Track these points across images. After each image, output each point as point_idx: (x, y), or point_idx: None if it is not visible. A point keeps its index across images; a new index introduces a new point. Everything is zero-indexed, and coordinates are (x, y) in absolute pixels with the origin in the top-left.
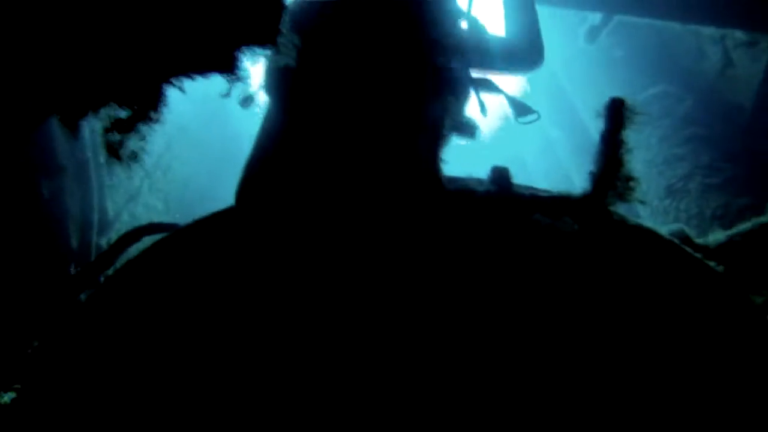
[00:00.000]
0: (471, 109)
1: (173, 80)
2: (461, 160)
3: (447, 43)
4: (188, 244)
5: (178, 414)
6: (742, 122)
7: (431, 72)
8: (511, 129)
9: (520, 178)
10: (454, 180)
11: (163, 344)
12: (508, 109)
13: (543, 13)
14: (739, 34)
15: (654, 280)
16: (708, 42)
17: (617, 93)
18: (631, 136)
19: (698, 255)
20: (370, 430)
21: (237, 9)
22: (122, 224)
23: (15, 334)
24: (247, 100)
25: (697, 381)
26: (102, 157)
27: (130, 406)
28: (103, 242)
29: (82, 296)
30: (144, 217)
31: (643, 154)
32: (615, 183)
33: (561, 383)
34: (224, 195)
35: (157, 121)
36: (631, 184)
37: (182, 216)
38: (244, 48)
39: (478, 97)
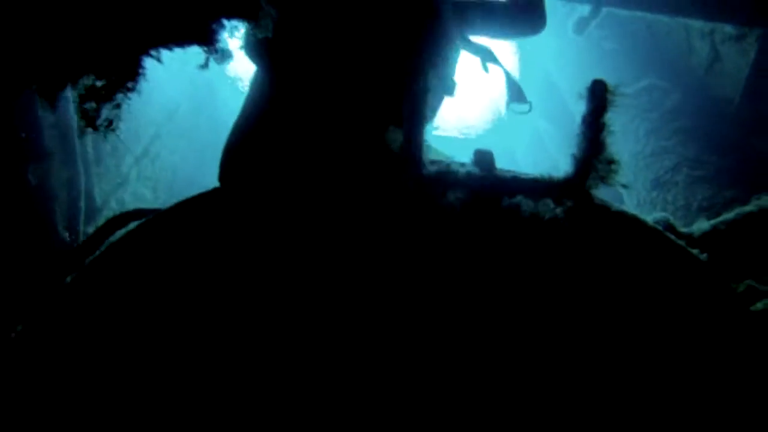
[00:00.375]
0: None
1: (151, 51)
2: (452, 153)
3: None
4: (170, 226)
5: (160, 400)
6: (729, 115)
7: (424, 41)
8: (502, 122)
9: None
10: (435, 162)
11: (145, 328)
12: (499, 103)
13: None
14: (728, 29)
15: (636, 266)
16: (697, 36)
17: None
18: (617, 128)
19: (681, 242)
20: (349, 407)
21: None
22: (110, 211)
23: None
24: (224, 55)
25: (679, 368)
26: (90, 146)
27: (110, 393)
28: (91, 229)
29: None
30: (132, 205)
31: (630, 146)
32: (596, 166)
33: (541, 368)
34: (212, 182)
35: (133, 90)
36: (613, 167)
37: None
38: (223, 20)
39: (483, 62)
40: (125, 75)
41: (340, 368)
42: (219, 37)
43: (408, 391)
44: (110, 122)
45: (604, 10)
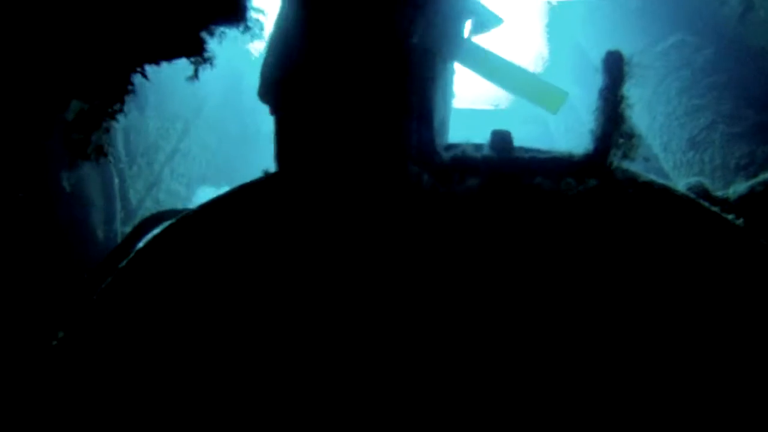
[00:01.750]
0: None
1: (140, 68)
2: (485, 121)
3: None
4: (196, 228)
5: (191, 412)
6: (765, 66)
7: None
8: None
9: (541, 137)
10: (452, 146)
11: (169, 340)
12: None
13: None
14: None
15: (665, 240)
16: None
17: (634, 45)
18: (649, 89)
19: (715, 209)
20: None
21: None
22: (145, 210)
23: (39, 327)
24: (212, 62)
25: (713, 337)
26: (121, 147)
27: (144, 401)
28: (128, 229)
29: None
30: (167, 203)
31: (662, 107)
32: (617, 141)
33: (576, 353)
34: (245, 173)
35: (121, 112)
36: (634, 140)
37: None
38: (211, 27)
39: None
40: (114, 96)
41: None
42: (207, 47)
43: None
44: (100, 149)
45: None
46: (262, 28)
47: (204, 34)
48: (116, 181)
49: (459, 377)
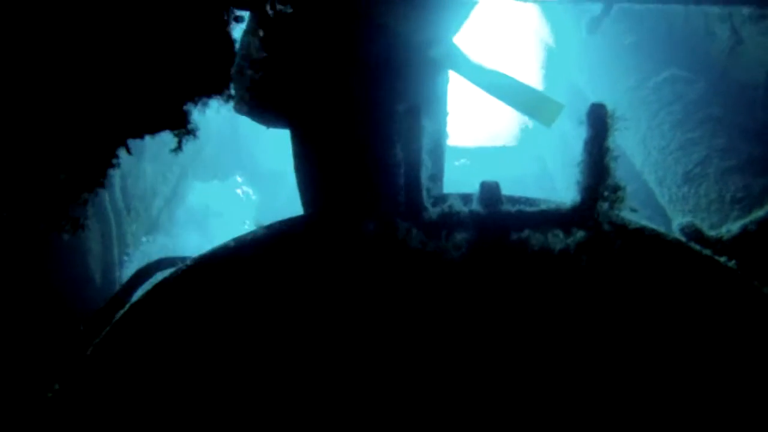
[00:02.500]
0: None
1: (121, 146)
2: (489, 160)
3: None
4: (191, 284)
5: None
6: (756, 100)
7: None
8: (528, 129)
9: (540, 174)
10: (442, 198)
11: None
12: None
13: (549, 7)
14: (746, 11)
15: (656, 288)
16: (716, 20)
17: (628, 81)
18: (643, 123)
19: (707, 251)
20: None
21: (186, 62)
22: (143, 255)
23: (34, 379)
24: (195, 134)
25: (706, 379)
26: (119, 194)
27: None
28: (126, 274)
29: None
30: (165, 247)
31: (656, 141)
32: (603, 192)
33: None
34: (240, 222)
35: (101, 186)
36: (620, 193)
37: (201, 242)
38: (195, 100)
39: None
40: (98, 170)
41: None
42: (191, 119)
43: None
44: (76, 222)
45: (616, 6)
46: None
47: (187, 108)
48: (114, 226)
49: None
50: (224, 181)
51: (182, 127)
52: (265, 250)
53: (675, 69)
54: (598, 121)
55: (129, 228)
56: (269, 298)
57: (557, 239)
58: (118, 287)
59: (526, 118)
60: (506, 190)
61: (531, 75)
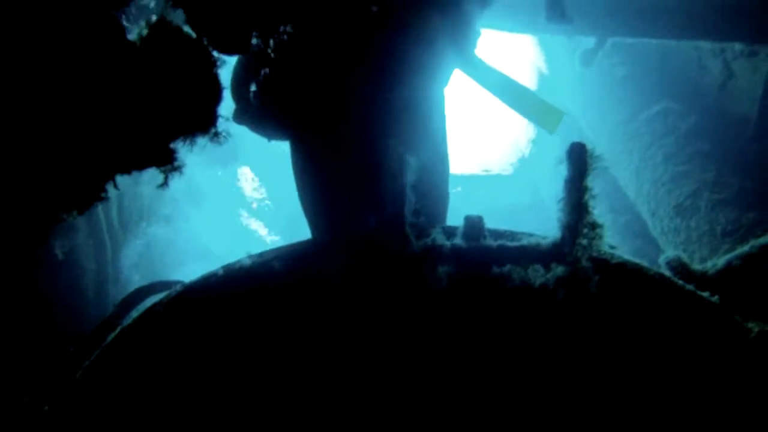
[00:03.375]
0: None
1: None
2: (484, 189)
3: None
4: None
5: None
6: (747, 134)
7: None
8: (524, 158)
9: (534, 204)
10: (425, 233)
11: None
12: (520, 140)
13: (545, 40)
14: (738, 46)
15: (637, 320)
16: (708, 55)
17: (621, 113)
18: (636, 155)
19: (691, 286)
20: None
21: (172, 104)
22: (138, 275)
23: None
24: (180, 170)
25: (684, 412)
26: (115, 214)
27: None
28: (120, 295)
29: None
30: (159, 269)
31: (649, 174)
32: (582, 230)
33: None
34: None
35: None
36: (598, 231)
37: (199, 265)
38: (182, 138)
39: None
40: (86, 204)
41: None
42: (177, 156)
43: None
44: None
45: (609, 40)
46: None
47: (174, 146)
48: (109, 247)
49: None
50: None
51: (168, 163)
52: (251, 281)
53: (667, 102)
54: (578, 160)
55: (125, 249)
56: (252, 328)
57: (537, 274)
58: (111, 305)
59: (522, 147)
60: (500, 219)
61: None
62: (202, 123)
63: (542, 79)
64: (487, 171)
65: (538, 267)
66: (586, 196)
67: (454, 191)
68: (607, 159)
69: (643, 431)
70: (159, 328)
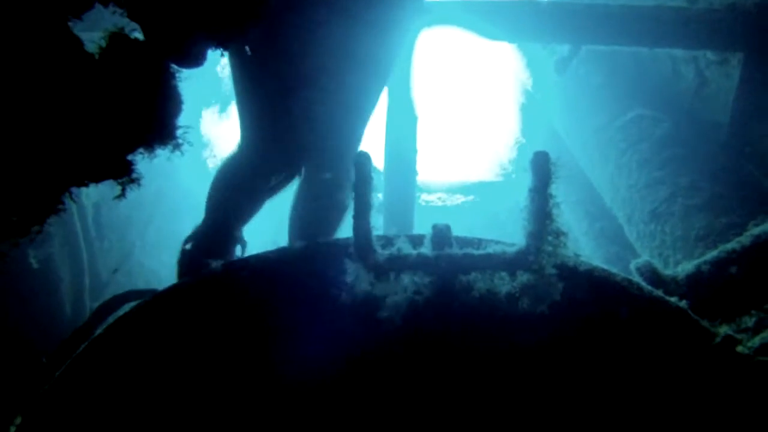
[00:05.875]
0: None
1: (67, 192)
2: (474, 204)
3: None
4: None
5: None
6: (720, 140)
7: None
8: (508, 174)
9: (513, 212)
10: (389, 241)
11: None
12: (503, 156)
13: (526, 48)
14: (710, 54)
15: (602, 327)
16: (682, 62)
17: (597, 120)
18: (611, 162)
19: (659, 291)
20: None
21: (127, 116)
22: (116, 285)
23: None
24: (139, 182)
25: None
26: (91, 223)
27: None
28: (97, 304)
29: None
30: (139, 277)
31: (625, 180)
32: (546, 237)
33: None
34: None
35: (39, 232)
36: (562, 239)
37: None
38: (140, 149)
39: None
40: (41, 216)
41: None
42: (134, 168)
43: None
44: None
45: (584, 47)
46: (191, 143)
47: (131, 158)
48: (85, 256)
49: None
50: None
51: (126, 175)
52: (220, 286)
53: (642, 108)
54: (541, 169)
55: (103, 258)
56: (222, 338)
57: (503, 282)
58: (88, 315)
59: (504, 160)
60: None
61: (510, 119)
62: (162, 135)
63: (525, 93)
64: (468, 187)
65: (504, 275)
66: (550, 204)
67: (461, 202)
68: (584, 166)
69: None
70: (130, 337)
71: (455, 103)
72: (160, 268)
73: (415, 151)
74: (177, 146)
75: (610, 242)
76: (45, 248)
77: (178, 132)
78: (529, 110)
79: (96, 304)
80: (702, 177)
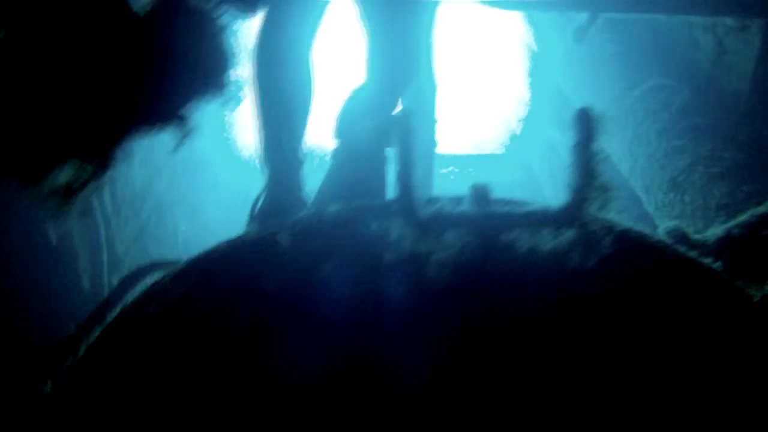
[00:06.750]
0: None
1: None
2: (477, 168)
3: None
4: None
5: None
6: (740, 108)
7: None
8: (515, 136)
9: (527, 182)
10: (434, 200)
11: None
12: (511, 118)
13: (533, 16)
14: (729, 21)
15: (641, 287)
16: (700, 30)
17: (613, 89)
18: (629, 132)
19: (693, 253)
20: None
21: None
22: (132, 259)
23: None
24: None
25: (693, 384)
26: (108, 197)
27: None
28: (115, 279)
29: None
30: (154, 251)
31: (643, 149)
32: (592, 193)
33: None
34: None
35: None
36: (609, 194)
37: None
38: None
39: None
40: (106, 161)
41: None
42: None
43: None
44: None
45: (601, 16)
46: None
47: (186, 110)
48: (102, 231)
49: None
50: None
51: (181, 125)
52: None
53: (660, 77)
54: (586, 125)
55: (119, 233)
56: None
57: (546, 239)
58: (106, 290)
59: (513, 125)
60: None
61: (517, 81)
62: (214, 89)
63: (532, 55)
64: (479, 150)
65: (547, 232)
66: (595, 160)
67: (446, 171)
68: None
69: (648, 396)
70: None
71: (462, 77)
72: (174, 243)
73: (434, 121)
74: (227, 100)
75: (625, 213)
76: (63, 224)
77: (228, 86)
78: (536, 75)
79: (114, 278)
80: (723, 146)
